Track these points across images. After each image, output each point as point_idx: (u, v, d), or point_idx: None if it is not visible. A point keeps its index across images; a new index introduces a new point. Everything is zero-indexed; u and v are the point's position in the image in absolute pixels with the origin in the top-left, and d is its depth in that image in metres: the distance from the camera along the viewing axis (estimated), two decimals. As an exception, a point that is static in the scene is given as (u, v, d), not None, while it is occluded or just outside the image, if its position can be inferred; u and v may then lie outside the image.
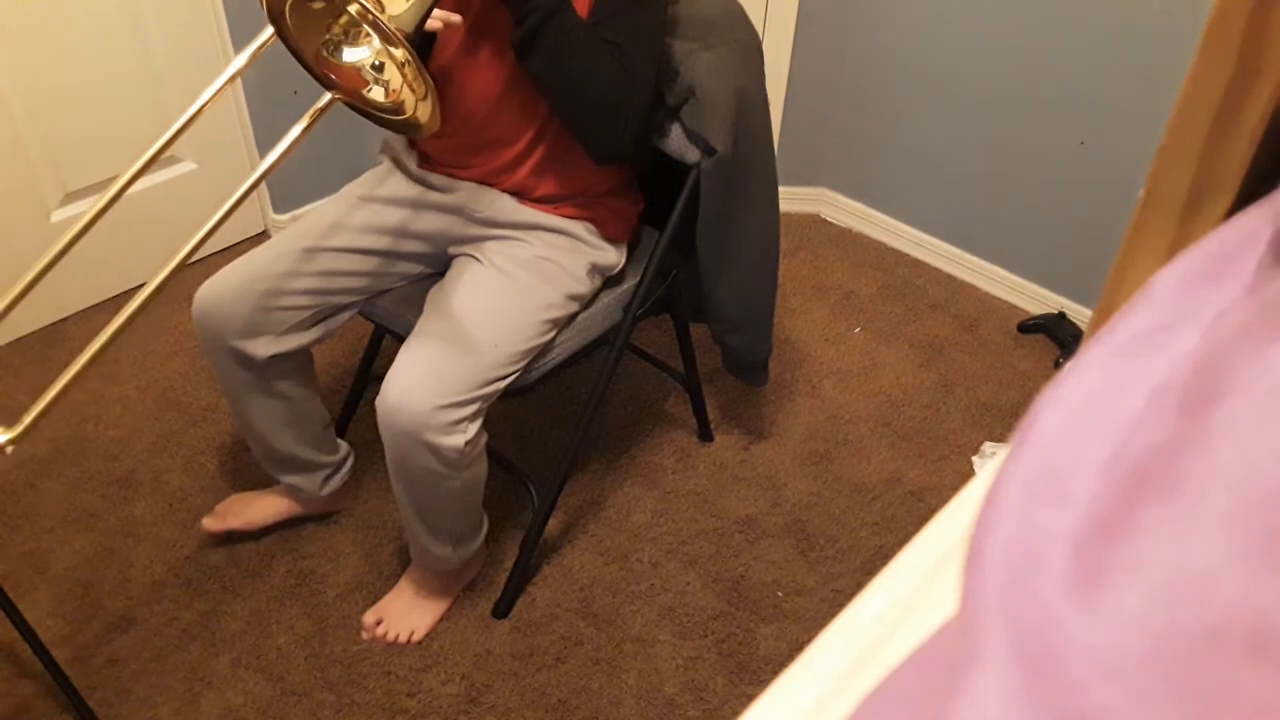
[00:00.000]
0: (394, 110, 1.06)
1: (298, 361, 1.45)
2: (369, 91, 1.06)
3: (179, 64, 2.03)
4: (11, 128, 1.86)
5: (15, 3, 1.78)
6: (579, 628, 1.54)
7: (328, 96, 1.06)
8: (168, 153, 2.18)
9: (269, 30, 1.04)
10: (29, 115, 1.87)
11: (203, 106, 1.10)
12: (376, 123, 1.09)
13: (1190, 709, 0.22)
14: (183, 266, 1.07)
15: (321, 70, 1.05)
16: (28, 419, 1.00)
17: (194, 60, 2.05)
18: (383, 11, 0.98)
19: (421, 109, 1.04)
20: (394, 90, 1.05)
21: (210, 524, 1.61)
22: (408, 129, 1.08)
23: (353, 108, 1.08)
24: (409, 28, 1.01)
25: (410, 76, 1.02)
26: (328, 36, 1.04)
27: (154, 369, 1.97)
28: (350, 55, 1.06)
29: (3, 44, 1.79)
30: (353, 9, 1.00)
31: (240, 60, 1.10)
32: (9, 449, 1.00)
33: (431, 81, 1.00)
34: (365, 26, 1.03)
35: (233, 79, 1.12)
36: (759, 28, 1.83)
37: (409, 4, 1.01)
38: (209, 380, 1.94)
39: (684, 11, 1.46)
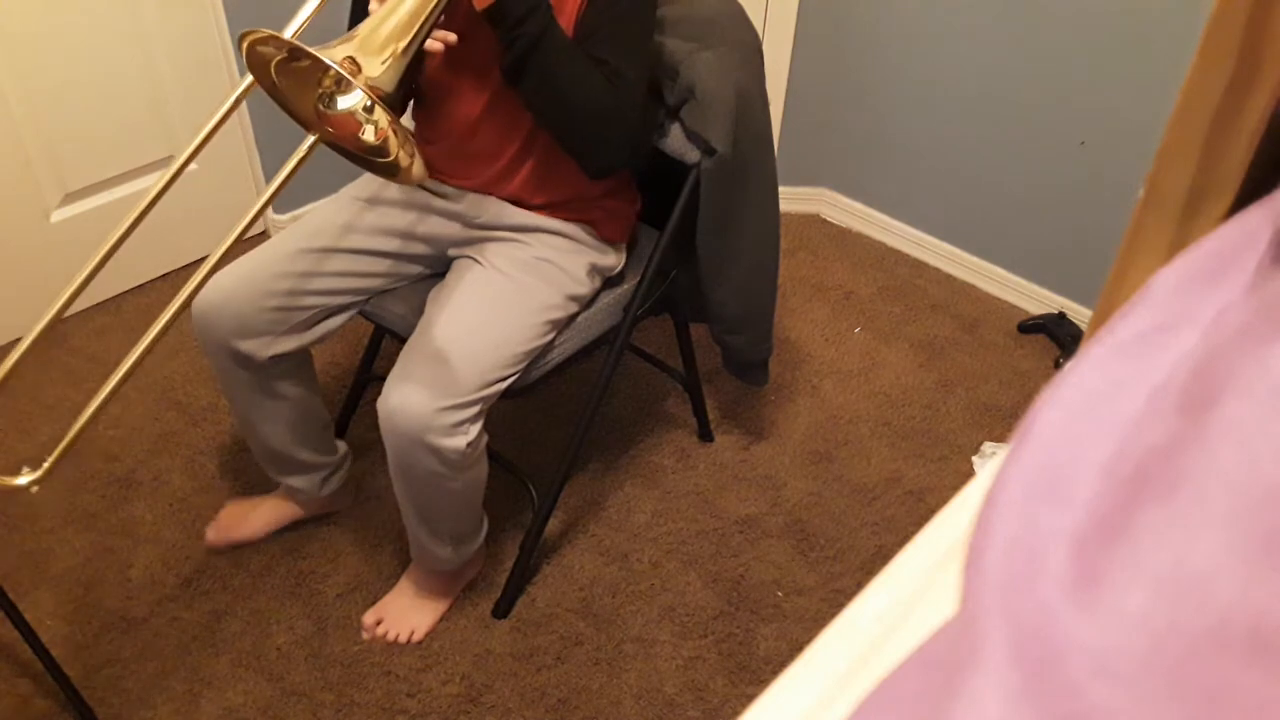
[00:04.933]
0: (379, 151, 1.06)
1: (297, 361, 1.45)
2: (362, 134, 1.06)
3: (179, 64, 2.03)
4: (11, 128, 1.86)
5: (16, 3, 1.78)
6: (579, 628, 1.54)
7: (310, 140, 1.05)
8: (168, 153, 2.18)
9: None
10: (29, 116, 1.87)
11: (212, 131, 1.10)
12: (358, 164, 1.08)
13: (1190, 709, 0.22)
14: (187, 280, 1.07)
15: (322, 127, 1.04)
16: (49, 462, 1.00)
17: (194, 61, 2.05)
18: (360, 73, 0.98)
19: (403, 156, 1.04)
20: (382, 129, 1.05)
21: (213, 539, 1.62)
22: (391, 171, 1.07)
23: (335, 148, 1.07)
24: (388, 87, 1.01)
25: (395, 131, 1.03)
26: (320, 90, 1.04)
27: (154, 369, 1.97)
28: (345, 103, 1.05)
29: (3, 44, 1.79)
30: (331, 75, 1.00)
31: (229, 102, 1.10)
32: (34, 489, 1.00)
33: (412, 139, 1.01)
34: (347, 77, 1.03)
35: (238, 102, 1.12)
36: (759, 28, 1.83)
37: (384, 66, 1.01)
38: (209, 380, 1.94)
39: (684, 11, 1.46)
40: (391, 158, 1.05)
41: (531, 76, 1.22)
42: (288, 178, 1.06)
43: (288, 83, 1.02)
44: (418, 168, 1.03)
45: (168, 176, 1.12)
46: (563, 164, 1.35)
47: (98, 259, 1.08)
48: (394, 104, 1.00)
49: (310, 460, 1.56)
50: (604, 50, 1.26)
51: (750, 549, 1.68)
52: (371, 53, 1.00)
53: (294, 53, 0.98)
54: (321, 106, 1.04)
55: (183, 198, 2.14)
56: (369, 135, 1.06)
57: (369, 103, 1.04)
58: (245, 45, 0.96)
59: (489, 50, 1.25)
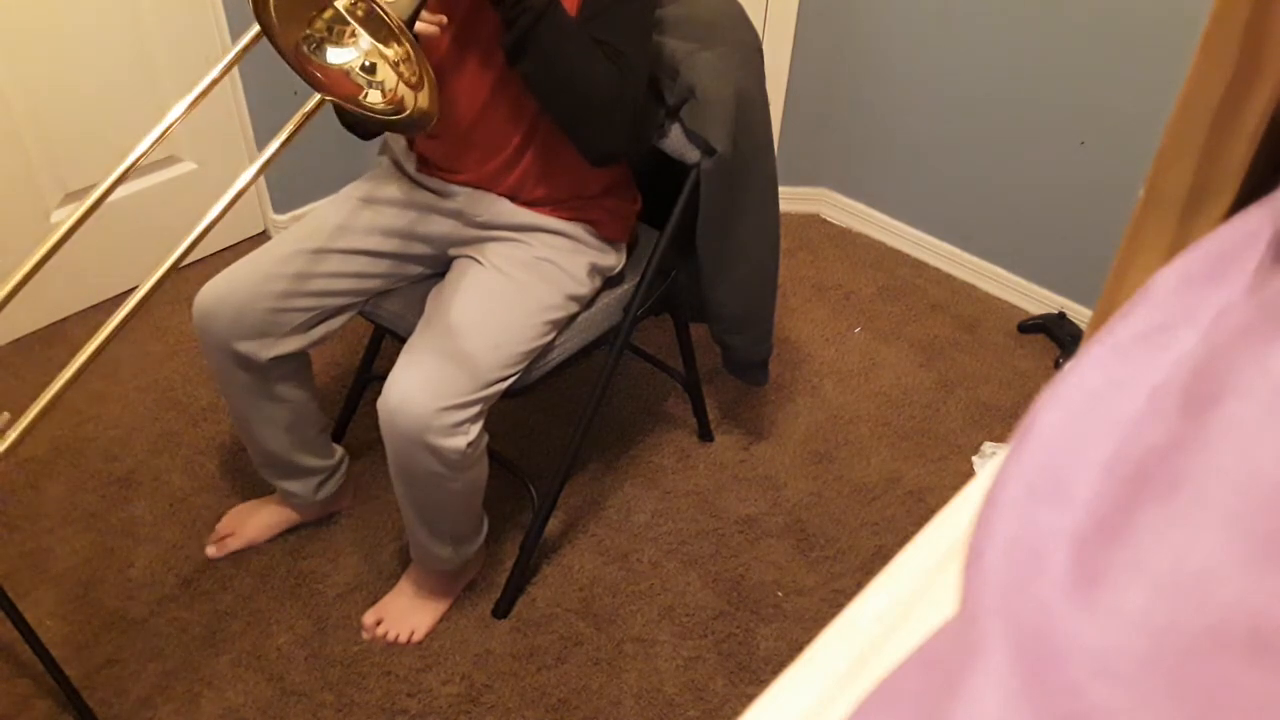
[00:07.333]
0: (395, 111, 1.04)
1: (297, 364, 1.45)
2: (365, 97, 1.03)
3: (179, 64, 2.03)
4: (11, 127, 1.86)
5: (16, 3, 1.78)
6: (579, 628, 1.54)
7: (316, 98, 1.03)
8: (168, 152, 2.18)
9: (257, 27, 1.02)
10: (29, 115, 1.87)
11: (194, 102, 1.08)
12: (379, 125, 1.07)
13: (1190, 709, 0.22)
14: (175, 270, 1.06)
15: (304, 68, 1.01)
16: (13, 434, 0.99)
17: (194, 60, 2.05)
18: None
19: (422, 99, 1.01)
20: (390, 90, 1.03)
21: (213, 552, 1.62)
22: (412, 126, 1.05)
23: (357, 121, 1.05)
24: (406, 13, 0.98)
25: (407, 73, 1.00)
26: (309, 31, 1.00)
27: (154, 369, 1.97)
28: (336, 57, 1.02)
29: (3, 44, 1.79)
30: (340, 4, 0.98)
31: (235, 51, 1.08)
32: None
33: (430, 70, 0.97)
34: (352, 23, 1.00)
35: (225, 71, 1.09)
36: (759, 28, 1.83)
37: None
38: (209, 380, 1.94)
39: (684, 11, 1.46)
40: (409, 112, 1.02)
41: (533, 55, 1.21)
42: (296, 130, 1.03)
43: (284, 10, 0.97)
44: (432, 99, 0.99)
45: (159, 130, 1.09)
46: (564, 157, 1.35)
47: (82, 210, 1.06)
48: (410, 25, 0.97)
49: (307, 464, 1.56)
50: (606, 32, 1.26)
51: (750, 549, 1.68)
52: None
53: None
54: (306, 49, 1.00)
55: (182, 198, 2.14)
56: (375, 98, 1.03)
57: (369, 63, 1.01)
58: None
59: (493, 34, 1.25)
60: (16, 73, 1.83)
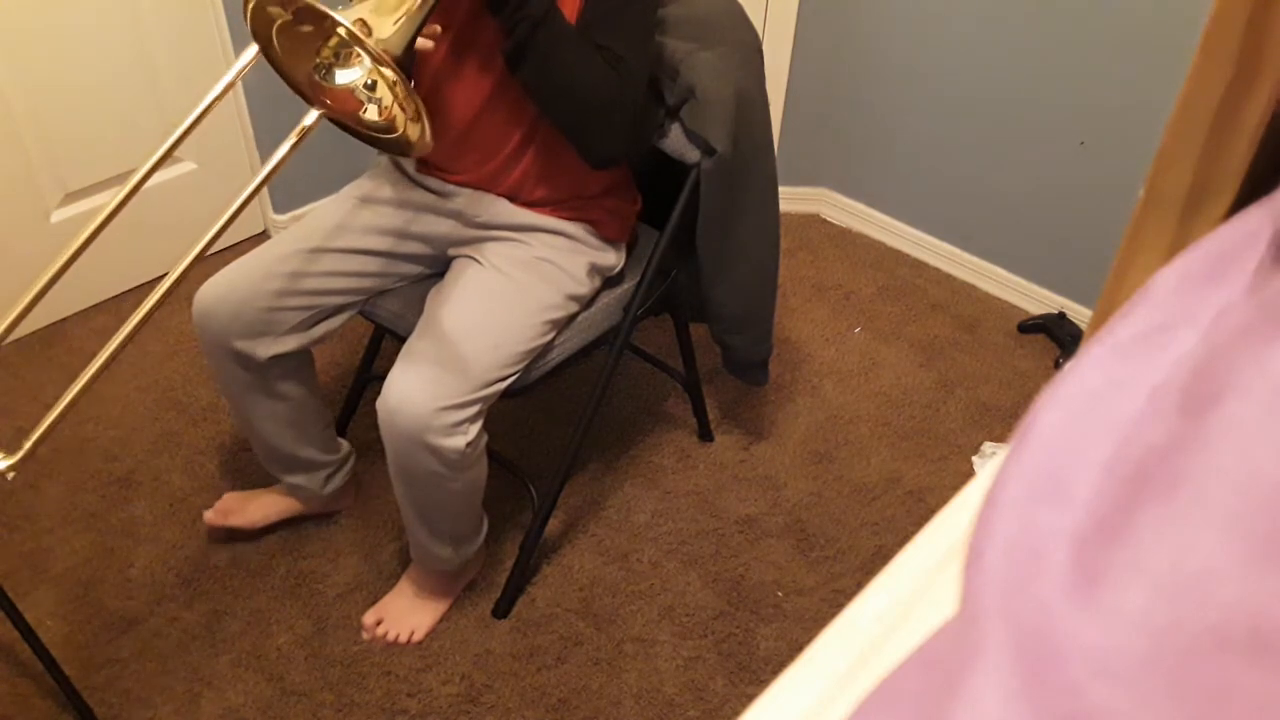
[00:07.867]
0: (386, 129, 1.06)
1: (298, 361, 1.45)
2: (364, 112, 1.05)
3: (179, 64, 2.03)
4: (11, 127, 1.86)
5: (16, 3, 1.78)
6: (579, 628, 1.54)
7: (314, 114, 1.05)
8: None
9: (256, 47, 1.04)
10: (29, 115, 1.87)
11: (196, 121, 1.09)
12: (366, 142, 1.08)
13: (1190, 709, 0.22)
14: (172, 290, 1.06)
15: (315, 95, 1.04)
16: (27, 444, 0.99)
17: (194, 60, 2.05)
18: (370, 35, 0.97)
19: (412, 129, 1.03)
20: (386, 107, 1.04)
21: (211, 517, 1.61)
22: (398, 147, 1.07)
23: (342, 127, 1.07)
24: (397, 50, 1.00)
25: (401, 95, 1.02)
26: (318, 60, 1.03)
27: (154, 369, 1.97)
28: (343, 77, 1.04)
29: (3, 44, 1.79)
30: (341, 31, 1.00)
31: (229, 76, 1.10)
32: (10, 475, 0.99)
33: (421, 102, 1.00)
34: (356, 47, 1.02)
35: (223, 93, 1.11)
36: (759, 28, 1.83)
37: (396, 27, 1.00)
38: (209, 380, 1.94)
39: (684, 11, 1.46)
40: (399, 133, 1.05)
41: (533, 61, 1.22)
42: (291, 149, 1.05)
43: (288, 46, 1.01)
44: (423, 132, 1.02)
45: (163, 150, 1.11)
46: (563, 158, 1.35)
47: (94, 226, 1.07)
48: (403, 66, 0.99)
49: (312, 458, 1.56)
50: (606, 37, 1.26)
51: (750, 549, 1.68)
52: (385, 13, 1.00)
53: (300, 15, 0.98)
54: (318, 77, 1.04)
55: (182, 198, 2.14)
56: (372, 114, 1.05)
57: (370, 80, 1.03)
58: (252, 3, 0.95)
59: (492, 38, 1.25)
60: (16, 73, 1.83)
